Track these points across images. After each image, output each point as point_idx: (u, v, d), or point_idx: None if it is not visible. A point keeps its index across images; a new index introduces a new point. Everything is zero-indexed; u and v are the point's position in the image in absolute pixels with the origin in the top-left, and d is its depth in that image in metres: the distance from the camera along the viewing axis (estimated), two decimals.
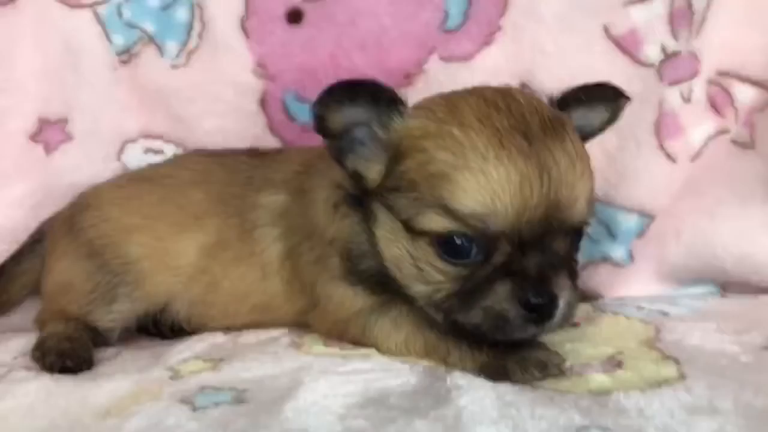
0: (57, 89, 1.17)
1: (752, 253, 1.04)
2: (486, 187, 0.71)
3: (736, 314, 0.95)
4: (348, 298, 0.89)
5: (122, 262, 1.00)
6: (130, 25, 1.18)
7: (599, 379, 0.73)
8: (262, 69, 1.16)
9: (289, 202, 0.97)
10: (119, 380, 0.83)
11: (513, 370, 0.74)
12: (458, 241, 0.74)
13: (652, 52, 1.07)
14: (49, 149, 1.17)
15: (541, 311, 0.73)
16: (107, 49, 1.17)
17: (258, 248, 0.97)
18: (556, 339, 0.86)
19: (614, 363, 0.77)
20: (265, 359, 0.86)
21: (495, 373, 0.75)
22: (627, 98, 0.89)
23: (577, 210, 0.75)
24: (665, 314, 0.95)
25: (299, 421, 0.67)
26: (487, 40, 1.11)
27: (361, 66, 1.14)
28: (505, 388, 0.72)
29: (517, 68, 1.11)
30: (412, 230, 0.77)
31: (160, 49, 1.18)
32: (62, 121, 1.17)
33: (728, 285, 1.09)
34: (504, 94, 0.79)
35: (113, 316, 1.00)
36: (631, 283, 1.12)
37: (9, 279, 1.11)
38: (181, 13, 1.17)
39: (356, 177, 0.82)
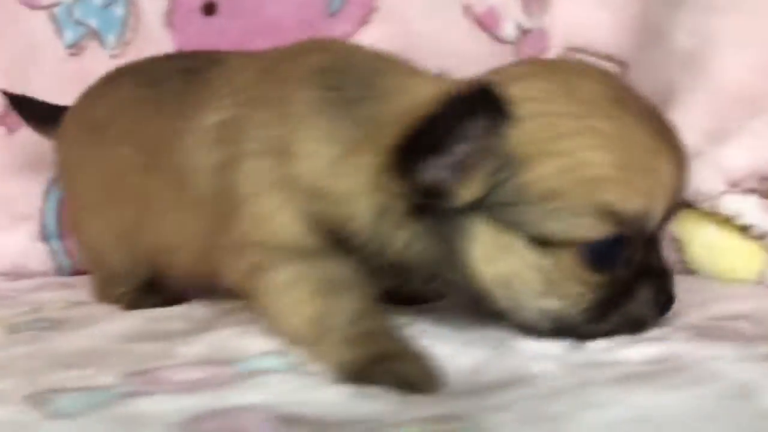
0: (20, 79, 1.37)
1: None
2: (652, 183, 0.64)
3: None
4: (282, 226, 0.72)
5: None
6: (78, 23, 1.36)
7: None
8: None
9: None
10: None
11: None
12: (609, 247, 0.65)
13: (509, 30, 1.12)
14: (10, 131, 1.38)
15: (668, 309, 0.69)
16: (59, 43, 1.37)
17: None
18: None
19: None
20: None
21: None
22: None
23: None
24: None
25: None
26: (365, 20, 1.21)
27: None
28: None
29: (394, 48, 1.17)
30: (547, 243, 0.65)
31: (102, 42, 1.35)
32: None
33: None
34: (592, 69, 0.72)
35: None
36: None
37: None
38: (119, 10, 1.34)
39: (432, 192, 0.65)
